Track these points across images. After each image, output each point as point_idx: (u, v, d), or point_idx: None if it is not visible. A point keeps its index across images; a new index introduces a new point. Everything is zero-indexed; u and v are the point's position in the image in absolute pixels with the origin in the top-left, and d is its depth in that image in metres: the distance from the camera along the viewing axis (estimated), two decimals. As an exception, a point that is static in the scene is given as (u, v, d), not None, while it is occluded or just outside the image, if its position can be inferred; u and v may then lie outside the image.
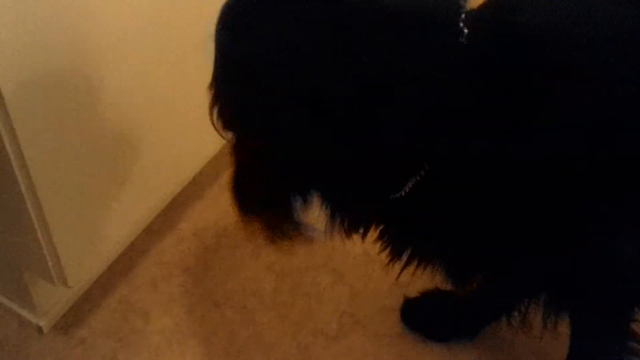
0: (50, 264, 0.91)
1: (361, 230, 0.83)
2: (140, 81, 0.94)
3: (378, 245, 0.86)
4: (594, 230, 0.73)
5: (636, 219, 0.72)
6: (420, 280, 1.10)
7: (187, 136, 1.09)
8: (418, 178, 0.72)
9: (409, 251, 0.85)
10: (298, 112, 0.69)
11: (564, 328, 0.90)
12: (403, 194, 0.74)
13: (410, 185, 0.73)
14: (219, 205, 1.22)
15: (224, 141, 1.17)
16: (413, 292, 1.09)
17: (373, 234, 0.85)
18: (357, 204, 0.80)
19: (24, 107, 0.76)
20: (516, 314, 0.94)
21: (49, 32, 0.76)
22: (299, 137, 0.71)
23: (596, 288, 0.81)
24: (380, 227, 0.84)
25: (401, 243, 0.85)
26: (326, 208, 0.80)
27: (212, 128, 1.11)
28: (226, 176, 1.25)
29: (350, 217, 0.81)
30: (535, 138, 0.68)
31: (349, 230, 0.81)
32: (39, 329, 1.04)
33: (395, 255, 0.86)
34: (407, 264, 0.86)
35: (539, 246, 0.76)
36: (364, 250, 1.15)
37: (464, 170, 0.71)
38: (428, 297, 1.07)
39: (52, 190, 0.85)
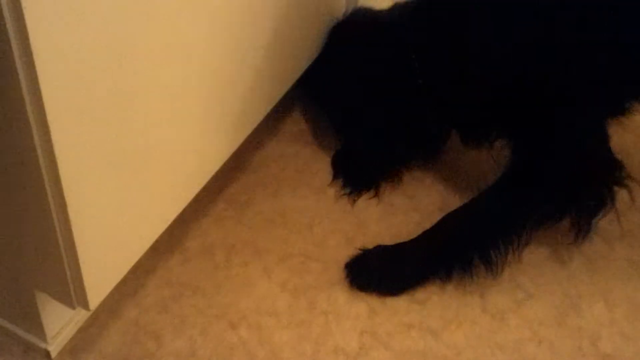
0: (71, 285, 0.86)
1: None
2: (150, 90, 0.89)
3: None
4: None
5: None
6: (436, 296, 1.09)
7: (190, 151, 1.05)
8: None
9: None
10: None
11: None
12: None
13: None
14: (224, 222, 1.18)
15: (226, 156, 1.15)
16: (430, 308, 1.08)
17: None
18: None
19: (61, 108, 0.71)
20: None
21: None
22: None
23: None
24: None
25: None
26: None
27: (214, 142, 1.08)
28: (229, 191, 1.23)
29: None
30: None
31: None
32: (47, 354, 0.98)
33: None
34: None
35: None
36: (379, 266, 1.13)
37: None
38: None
39: (81, 199, 0.80)
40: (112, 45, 0.76)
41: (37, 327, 0.96)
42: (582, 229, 1.09)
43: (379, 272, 1.09)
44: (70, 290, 0.86)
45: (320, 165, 1.27)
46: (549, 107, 1.01)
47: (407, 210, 1.21)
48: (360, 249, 1.13)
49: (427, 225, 1.12)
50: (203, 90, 0.98)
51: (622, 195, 1.10)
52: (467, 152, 1.19)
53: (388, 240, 1.14)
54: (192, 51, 0.91)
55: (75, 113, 0.74)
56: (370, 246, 1.14)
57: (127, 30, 0.77)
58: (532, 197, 1.06)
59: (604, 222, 1.15)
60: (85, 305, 0.88)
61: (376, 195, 1.22)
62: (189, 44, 0.90)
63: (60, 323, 0.99)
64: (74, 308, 0.89)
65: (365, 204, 1.22)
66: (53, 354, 0.98)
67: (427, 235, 1.10)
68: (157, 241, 1.08)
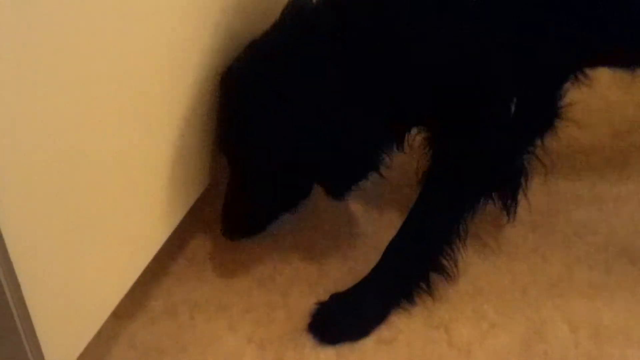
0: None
1: None
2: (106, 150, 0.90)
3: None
4: None
5: None
6: (402, 334, 1.10)
7: (144, 214, 1.05)
8: None
9: None
10: None
11: None
12: None
13: None
14: (187, 279, 1.18)
15: (182, 213, 1.15)
16: (398, 348, 1.08)
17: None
18: None
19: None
20: None
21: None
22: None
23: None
24: None
25: None
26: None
27: (172, 198, 1.09)
28: (189, 247, 1.23)
29: None
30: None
31: None
32: None
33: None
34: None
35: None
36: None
37: None
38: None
39: (33, 274, 0.79)
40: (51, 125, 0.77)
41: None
42: (510, 208, 1.17)
43: (344, 321, 1.10)
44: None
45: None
46: (463, 104, 1.03)
47: (367, 251, 1.21)
48: (316, 303, 1.13)
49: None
50: (151, 157, 0.99)
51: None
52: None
53: (351, 283, 1.15)
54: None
55: (21, 191, 0.75)
56: (333, 291, 1.14)
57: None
58: (461, 196, 1.10)
59: (561, 247, 1.17)
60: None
61: None
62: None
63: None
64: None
65: (325, 249, 1.22)
66: None
67: (379, 270, 1.11)
68: (118, 305, 1.08)
